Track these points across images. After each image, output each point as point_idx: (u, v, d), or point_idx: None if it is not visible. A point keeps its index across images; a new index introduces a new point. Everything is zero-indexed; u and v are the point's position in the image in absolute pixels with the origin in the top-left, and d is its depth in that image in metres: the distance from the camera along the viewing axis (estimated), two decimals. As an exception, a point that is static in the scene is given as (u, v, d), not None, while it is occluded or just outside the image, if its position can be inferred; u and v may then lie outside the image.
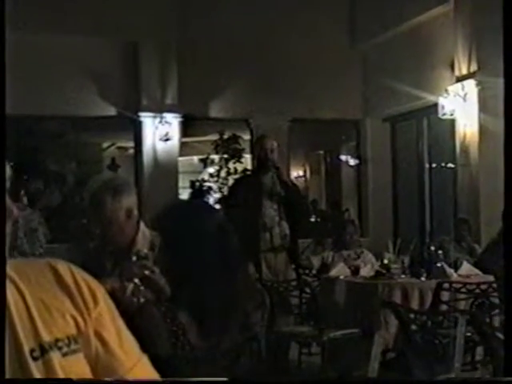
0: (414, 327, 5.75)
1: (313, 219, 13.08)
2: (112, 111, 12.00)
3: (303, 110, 12.37)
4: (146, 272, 2.68)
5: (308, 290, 6.84)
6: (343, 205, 13.91)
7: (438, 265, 6.54)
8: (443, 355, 5.50)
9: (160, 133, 11.96)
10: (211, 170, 13.23)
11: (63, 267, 1.32)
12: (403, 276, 6.56)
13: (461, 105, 10.01)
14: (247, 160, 12.92)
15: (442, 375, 5.10)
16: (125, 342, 1.34)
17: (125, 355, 1.32)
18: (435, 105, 10.45)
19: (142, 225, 3.14)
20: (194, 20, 11.96)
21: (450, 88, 10.16)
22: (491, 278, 6.26)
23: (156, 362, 1.39)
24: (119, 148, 15.28)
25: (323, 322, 6.50)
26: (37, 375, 1.19)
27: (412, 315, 5.83)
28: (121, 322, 1.36)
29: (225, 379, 1.43)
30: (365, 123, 13.23)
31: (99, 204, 3.05)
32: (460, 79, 10.08)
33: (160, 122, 11.93)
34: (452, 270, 6.59)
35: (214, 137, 13.14)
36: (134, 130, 12.27)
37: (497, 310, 6.03)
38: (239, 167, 12.74)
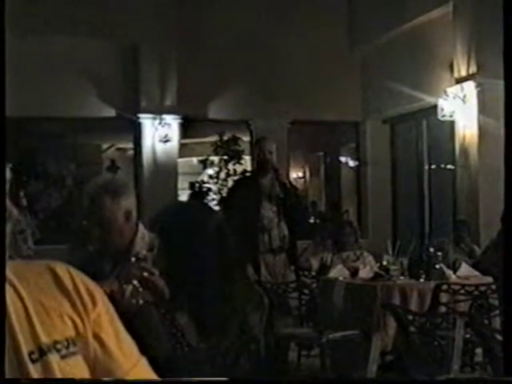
0: (412, 329, 5.75)
1: (312, 221, 13.07)
2: (112, 113, 12.00)
3: (303, 112, 12.38)
4: (145, 274, 2.68)
5: (307, 292, 6.84)
6: (342, 206, 13.89)
7: (437, 266, 6.53)
8: (442, 357, 5.50)
9: (159, 134, 11.97)
10: (211, 171, 13.20)
11: (62, 269, 1.32)
12: (402, 277, 6.55)
13: (460, 106, 10.00)
14: (247, 162, 12.91)
15: (441, 377, 5.10)
16: (123, 343, 1.34)
17: (123, 357, 1.32)
18: (435, 106, 10.45)
19: (140, 226, 3.15)
20: (193, 22, 11.96)
21: (450, 90, 10.15)
22: (490, 279, 6.27)
23: (155, 364, 1.39)
24: (119, 149, 15.25)
25: (322, 323, 6.51)
26: (35, 377, 1.19)
27: (411, 317, 5.83)
28: (119, 324, 1.36)
29: (225, 379, 1.43)
30: (364, 125, 13.24)
31: (98, 206, 3.05)
32: (459, 81, 10.08)
33: (159, 123, 11.94)
34: (451, 272, 6.58)
35: (214, 138, 13.12)
36: (133, 132, 12.28)
37: (496, 312, 6.03)
38: (239, 169, 12.71)
